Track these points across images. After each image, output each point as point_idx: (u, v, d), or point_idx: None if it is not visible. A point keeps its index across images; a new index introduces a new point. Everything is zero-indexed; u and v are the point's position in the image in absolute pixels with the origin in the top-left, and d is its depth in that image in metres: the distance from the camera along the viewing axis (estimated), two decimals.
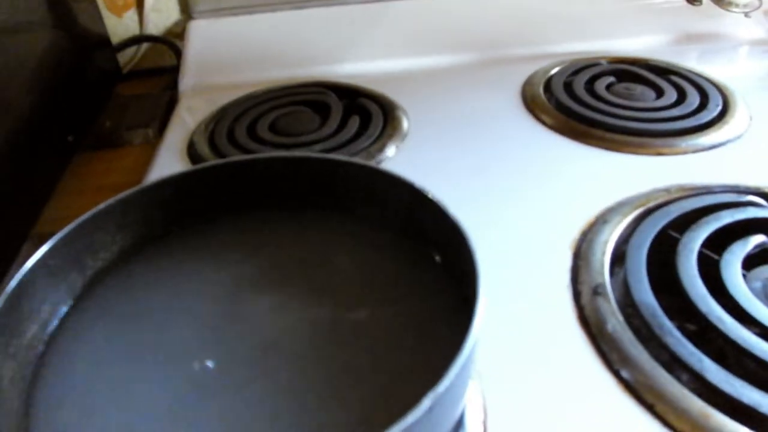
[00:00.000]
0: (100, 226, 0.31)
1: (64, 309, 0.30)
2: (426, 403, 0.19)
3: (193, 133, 0.57)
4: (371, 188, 0.31)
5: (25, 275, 0.27)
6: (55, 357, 0.28)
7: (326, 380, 0.25)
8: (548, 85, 0.59)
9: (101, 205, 0.31)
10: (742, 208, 0.39)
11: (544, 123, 0.54)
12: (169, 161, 0.54)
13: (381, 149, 0.51)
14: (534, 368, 0.32)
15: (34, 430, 0.24)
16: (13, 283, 0.26)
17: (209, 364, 0.27)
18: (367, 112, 0.56)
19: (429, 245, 0.31)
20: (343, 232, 0.33)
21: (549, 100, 0.57)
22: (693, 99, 0.55)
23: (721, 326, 0.30)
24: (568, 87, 0.58)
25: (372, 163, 0.49)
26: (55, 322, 0.29)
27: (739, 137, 0.50)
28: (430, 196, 0.28)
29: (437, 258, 0.30)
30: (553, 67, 0.62)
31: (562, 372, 0.31)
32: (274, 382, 0.25)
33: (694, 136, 0.50)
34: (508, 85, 0.61)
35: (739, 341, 0.30)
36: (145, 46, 0.81)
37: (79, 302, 0.30)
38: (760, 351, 0.29)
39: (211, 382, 0.27)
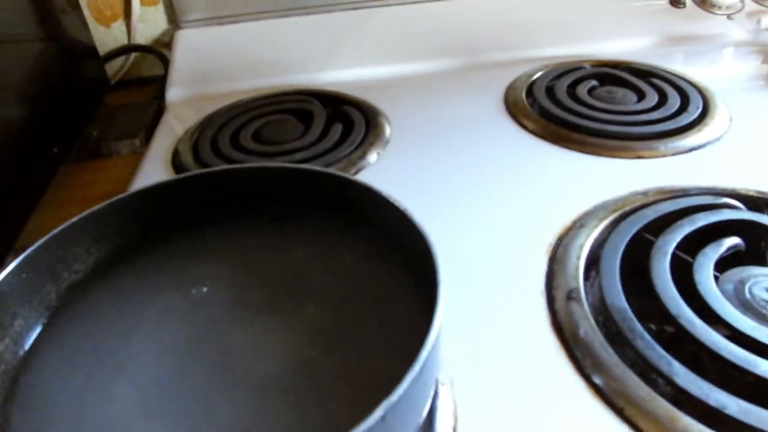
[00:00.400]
0: (74, 238, 0.31)
1: (38, 322, 0.30)
2: (378, 412, 0.19)
3: (178, 143, 0.57)
4: (341, 196, 0.31)
5: None
6: (28, 371, 0.28)
7: (301, 387, 0.25)
8: (530, 90, 0.59)
9: (74, 218, 0.31)
10: (717, 211, 0.39)
11: (526, 128, 0.55)
12: (153, 171, 0.55)
13: (363, 156, 0.51)
14: (506, 374, 0.32)
15: None
16: None
17: (181, 376, 0.27)
18: (350, 119, 0.56)
19: (401, 253, 0.31)
20: (317, 238, 0.33)
21: (531, 104, 0.57)
22: (674, 101, 0.55)
23: (690, 329, 0.31)
24: (550, 91, 0.58)
25: (353, 169, 0.49)
26: (28, 336, 0.29)
27: (718, 139, 0.50)
28: (396, 204, 0.28)
29: (407, 264, 0.30)
30: (535, 72, 0.62)
31: (534, 378, 0.32)
32: (241, 393, 0.26)
33: (673, 138, 0.50)
34: (490, 91, 0.61)
35: (708, 343, 0.30)
36: (133, 56, 0.81)
37: (53, 315, 0.30)
38: (729, 353, 0.29)
39: (183, 395, 0.27)
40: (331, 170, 0.31)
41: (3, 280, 0.27)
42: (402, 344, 0.27)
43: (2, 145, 0.51)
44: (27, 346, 0.29)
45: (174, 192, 0.33)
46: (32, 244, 0.52)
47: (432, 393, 0.24)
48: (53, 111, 0.63)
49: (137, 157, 0.62)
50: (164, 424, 0.26)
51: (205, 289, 0.32)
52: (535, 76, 0.62)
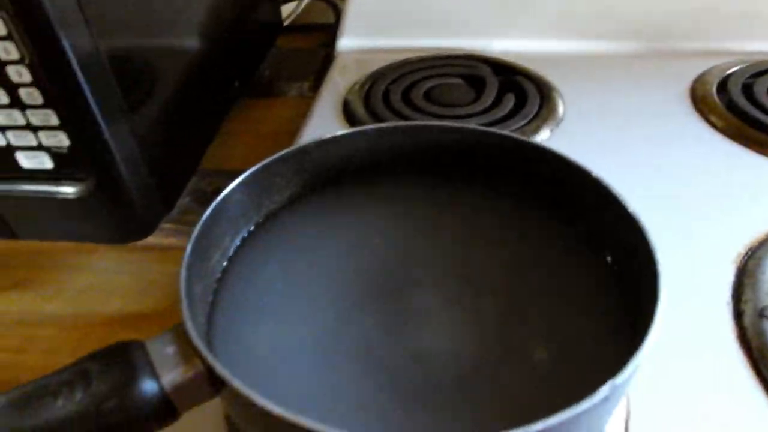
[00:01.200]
0: (279, 170, 0.33)
1: (240, 241, 0.32)
2: (604, 390, 0.19)
3: (348, 93, 0.59)
4: (545, 172, 0.31)
5: (218, 205, 0.29)
6: (231, 281, 0.30)
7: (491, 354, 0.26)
8: (723, 85, 0.55)
9: (283, 152, 0.33)
10: None
11: (714, 126, 0.51)
12: (324, 117, 0.57)
13: (536, 131, 0.50)
14: (685, 385, 0.31)
15: (215, 342, 0.27)
16: (208, 211, 0.29)
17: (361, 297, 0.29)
18: (523, 91, 0.55)
19: (596, 238, 0.30)
20: (505, 211, 0.33)
21: (722, 101, 0.53)
22: None
23: None
24: (747, 89, 0.53)
25: None
26: (232, 252, 0.32)
27: None
28: (611, 190, 0.28)
29: (603, 251, 0.30)
30: (731, 66, 0.57)
31: (714, 389, 0.30)
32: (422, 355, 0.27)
33: None
34: (676, 81, 0.57)
35: None
36: (305, 1, 0.84)
37: (253, 236, 0.33)
38: None
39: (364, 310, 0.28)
40: (551, 147, 0.30)
41: (223, 198, 0.29)
42: (599, 330, 0.26)
43: (191, 73, 0.55)
44: (228, 259, 0.32)
45: (373, 139, 0.34)
46: (212, 169, 0.56)
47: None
48: (234, 47, 0.66)
49: (304, 100, 0.65)
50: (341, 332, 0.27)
51: (384, 241, 0.33)
52: (730, 71, 0.57)
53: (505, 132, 0.31)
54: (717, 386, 0.30)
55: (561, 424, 0.18)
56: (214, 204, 0.29)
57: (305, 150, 0.33)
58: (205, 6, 0.59)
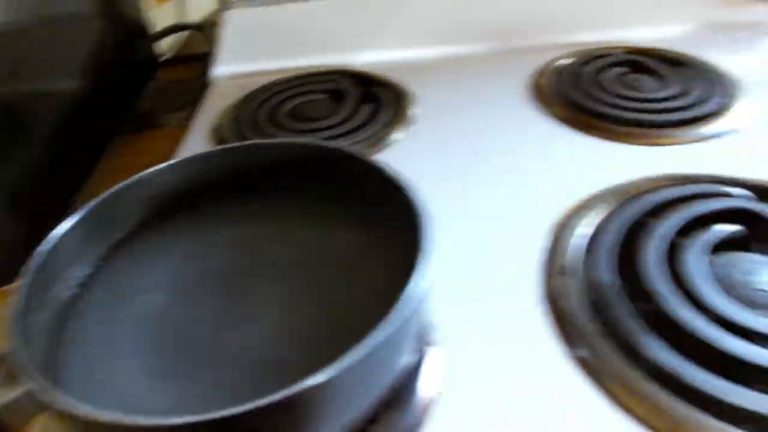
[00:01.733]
0: (119, 202, 0.36)
1: (87, 270, 0.35)
2: (362, 349, 0.22)
3: (221, 117, 0.62)
4: (337, 168, 0.35)
5: (53, 244, 0.32)
6: (79, 307, 0.33)
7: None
8: (558, 76, 0.61)
9: (121, 184, 0.36)
10: (719, 199, 0.40)
11: (551, 114, 0.56)
12: (196, 143, 0.59)
13: (388, 134, 0.54)
14: (495, 340, 0.35)
15: (60, 365, 0.29)
16: (44, 246, 0.31)
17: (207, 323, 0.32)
18: (380, 99, 0.59)
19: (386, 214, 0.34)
20: (318, 209, 0.37)
21: (558, 90, 0.59)
22: (698, 90, 0.55)
23: (666, 307, 0.33)
24: (576, 77, 0.59)
25: (379, 147, 0.53)
26: (78, 281, 0.34)
27: (737, 130, 0.51)
28: (398, 180, 0.32)
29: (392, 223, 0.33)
30: (564, 58, 0.64)
31: (521, 345, 0.34)
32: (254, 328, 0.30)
33: (692, 127, 0.51)
34: (519, 76, 0.63)
35: (681, 322, 0.32)
36: (184, 34, 0.86)
37: (101, 265, 0.35)
38: (703, 333, 0.31)
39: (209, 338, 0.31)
40: (322, 143, 0.35)
41: (61, 234, 0.32)
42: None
43: (63, 115, 0.57)
44: (76, 289, 0.34)
45: (208, 163, 0.37)
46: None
47: (412, 343, 0.28)
48: (109, 85, 0.68)
49: (184, 129, 0.67)
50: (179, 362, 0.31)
51: (222, 252, 0.36)
52: (563, 62, 0.63)
53: (305, 141, 0.35)
54: (523, 340, 0.35)
55: (340, 375, 0.22)
56: (46, 244, 0.31)
57: (140, 181, 0.36)
58: (71, 52, 0.61)
